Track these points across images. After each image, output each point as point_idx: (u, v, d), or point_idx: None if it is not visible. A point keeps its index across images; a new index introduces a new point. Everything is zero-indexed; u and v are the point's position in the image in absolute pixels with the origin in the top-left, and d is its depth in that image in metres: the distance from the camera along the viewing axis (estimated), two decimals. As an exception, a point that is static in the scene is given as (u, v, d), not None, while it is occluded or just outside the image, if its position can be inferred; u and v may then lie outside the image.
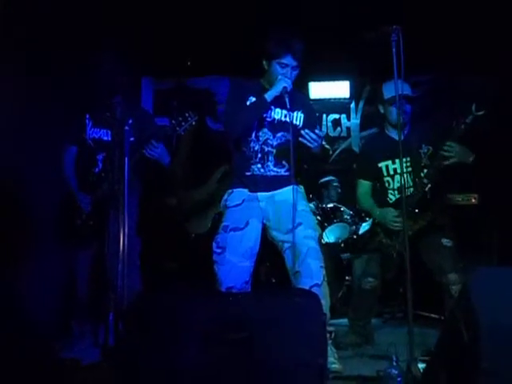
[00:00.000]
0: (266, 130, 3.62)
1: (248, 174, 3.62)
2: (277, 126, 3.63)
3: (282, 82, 3.47)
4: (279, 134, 3.63)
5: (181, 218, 5.20)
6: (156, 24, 5.54)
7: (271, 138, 3.63)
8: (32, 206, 4.34)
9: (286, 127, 3.61)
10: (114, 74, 3.88)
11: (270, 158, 3.62)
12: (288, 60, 3.52)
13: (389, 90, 3.96)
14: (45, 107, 4.44)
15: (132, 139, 3.46)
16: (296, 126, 3.66)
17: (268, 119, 3.63)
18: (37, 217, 4.32)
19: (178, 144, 5.24)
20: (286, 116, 3.64)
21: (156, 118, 5.23)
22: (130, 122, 3.36)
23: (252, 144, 3.62)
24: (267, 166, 3.62)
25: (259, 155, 3.62)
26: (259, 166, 3.62)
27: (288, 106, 3.51)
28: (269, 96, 3.50)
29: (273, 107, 3.61)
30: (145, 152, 3.78)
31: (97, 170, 4.06)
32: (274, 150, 3.62)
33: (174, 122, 3.67)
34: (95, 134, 4.12)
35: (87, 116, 4.14)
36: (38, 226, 4.30)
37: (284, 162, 3.63)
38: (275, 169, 3.63)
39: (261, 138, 3.62)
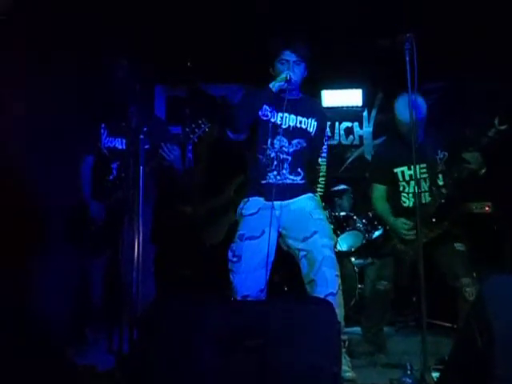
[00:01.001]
0: (280, 136, 3.61)
1: (264, 182, 3.61)
2: (292, 133, 3.63)
3: (285, 73, 3.50)
4: (295, 141, 3.63)
5: (196, 227, 5.21)
6: (170, 31, 5.57)
7: (287, 145, 3.61)
8: (47, 214, 4.37)
9: (302, 134, 3.63)
10: (129, 83, 3.90)
11: (285, 165, 3.60)
12: (287, 55, 3.54)
13: (403, 114, 3.83)
14: (62, 117, 4.48)
15: (147, 147, 3.48)
16: (309, 133, 3.68)
17: (283, 126, 3.62)
18: (52, 224, 4.35)
19: (197, 153, 5.25)
20: (301, 122, 3.66)
21: (169, 126, 5.26)
22: (145, 129, 3.38)
23: (268, 152, 3.60)
24: (283, 173, 3.60)
25: (275, 162, 3.60)
26: (275, 173, 3.59)
27: (285, 102, 3.50)
28: (272, 85, 3.51)
29: (287, 114, 3.62)
30: (161, 153, 3.80)
31: (111, 177, 4.09)
32: (290, 158, 3.61)
33: (187, 129, 3.70)
34: (110, 143, 4.16)
35: (102, 125, 4.18)
36: (53, 233, 4.32)
37: (299, 170, 3.63)
38: (291, 177, 3.61)
39: (276, 145, 3.60)
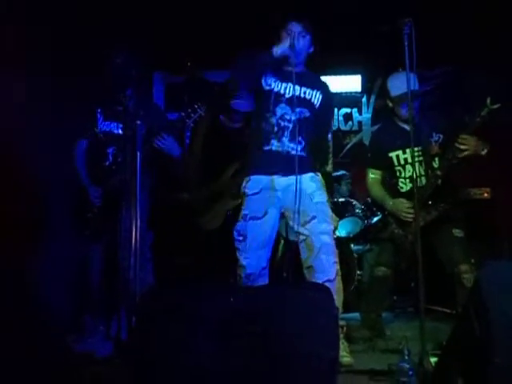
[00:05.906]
0: (283, 105, 3.60)
1: (266, 148, 3.61)
2: (296, 102, 3.58)
3: (289, 39, 3.49)
4: (298, 110, 3.58)
5: (192, 214, 5.19)
6: (169, 18, 5.54)
7: (289, 112, 3.59)
8: (46, 199, 4.37)
9: (306, 104, 3.63)
10: (126, 69, 3.89)
11: (285, 133, 3.59)
12: (293, 26, 3.55)
13: (395, 87, 3.94)
14: (59, 102, 4.47)
15: (142, 132, 3.47)
16: (313, 104, 3.67)
17: (287, 96, 3.61)
18: (50, 210, 4.35)
19: (192, 140, 5.23)
20: (305, 93, 3.65)
21: (168, 114, 5.25)
22: (141, 114, 3.37)
23: (270, 119, 3.60)
24: (282, 141, 3.59)
25: (275, 129, 3.59)
26: (276, 140, 3.59)
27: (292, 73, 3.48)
28: (275, 51, 3.50)
29: (291, 84, 3.58)
30: (154, 142, 3.79)
31: (107, 163, 4.10)
32: (291, 125, 3.59)
33: (183, 114, 3.70)
34: (106, 127, 4.15)
35: (98, 110, 4.17)
36: (51, 219, 4.32)
37: (300, 139, 3.60)
38: (291, 145, 3.58)
39: (278, 113, 3.60)
